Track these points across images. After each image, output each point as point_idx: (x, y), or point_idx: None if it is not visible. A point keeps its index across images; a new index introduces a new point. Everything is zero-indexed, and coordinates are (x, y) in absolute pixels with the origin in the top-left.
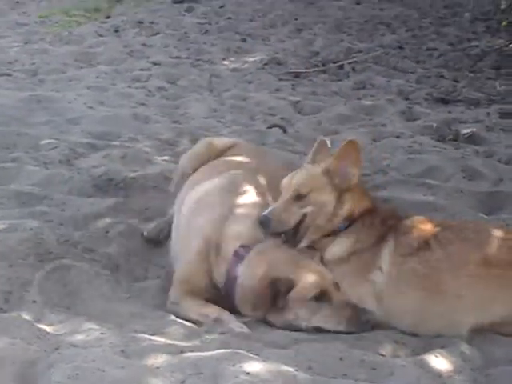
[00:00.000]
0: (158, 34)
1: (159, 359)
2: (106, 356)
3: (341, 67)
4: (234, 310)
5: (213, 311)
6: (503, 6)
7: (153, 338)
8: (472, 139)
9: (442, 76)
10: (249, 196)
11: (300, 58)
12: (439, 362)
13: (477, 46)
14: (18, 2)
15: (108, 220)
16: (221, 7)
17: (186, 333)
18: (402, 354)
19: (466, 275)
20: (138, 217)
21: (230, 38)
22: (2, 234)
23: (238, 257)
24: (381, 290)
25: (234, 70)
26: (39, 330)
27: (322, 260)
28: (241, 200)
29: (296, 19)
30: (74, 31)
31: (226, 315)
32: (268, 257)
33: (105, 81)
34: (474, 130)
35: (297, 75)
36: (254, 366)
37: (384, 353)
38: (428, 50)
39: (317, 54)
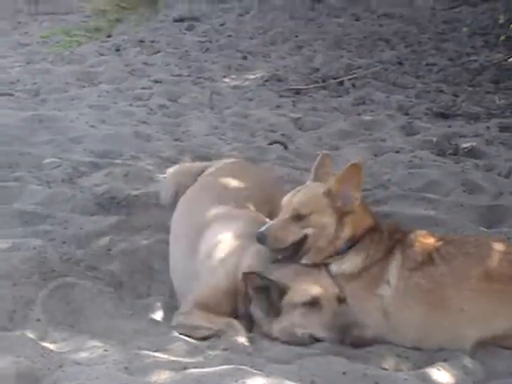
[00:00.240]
0: (158, 52)
1: (162, 376)
2: (109, 373)
3: (341, 83)
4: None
5: (222, 321)
6: (501, 21)
7: (156, 354)
8: (472, 153)
9: (441, 91)
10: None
11: (300, 74)
12: (441, 375)
13: (476, 61)
14: (19, 23)
15: (110, 238)
16: (221, 25)
17: (189, 349)
18: (404, 367)
19: (469, 289)
20: (140, 234)
21: (231, 56)
22: (6, 253)
23: None
24: (388, 304)
25: (234, 87)
26: (43, 348)
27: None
28: None
29: (296, 36)
30: (75, 51)
31: (235, 324)
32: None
33: (106, 99)
34: (474, 144)
35: (297, 92)
36: (257, 382)
37: (387, 367)
38: (427, 65)
39: (317, 70)
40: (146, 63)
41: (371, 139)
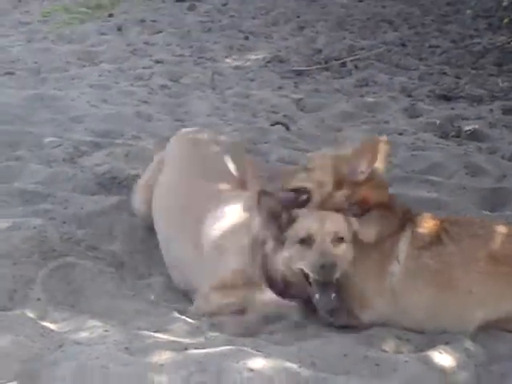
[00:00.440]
0: (160, 32)
1: (163, 356)
2: (110, 353)
3: (343, 65)
4: None
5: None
6: (505, 3)
7: (157, 335)
8: (475, 136)
9: (444, 73)
10: None
11: (302, 55)
12: (443, 358)
13: (479, 43)
14: (20, 1)
15: (111, 218)
16: (223, 5)
17: (190, 330)
18: (405, 350)
19: (476, 271)
20: None
21: (233, 36)
22: (6, 232)
23: None
24: (396, 282)
25: (236, 67)
26: (43, 327)
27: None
28: None
29: (298, 17)
30: (76, 30)
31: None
32: None
33: (108, 79)
34: (477, 126)
35: (299, 73)
36: (258, 363)
37: (387, 349)
38: (430, 47)
39: (319, 51)
40: (147, 43)
41: (374, 121)
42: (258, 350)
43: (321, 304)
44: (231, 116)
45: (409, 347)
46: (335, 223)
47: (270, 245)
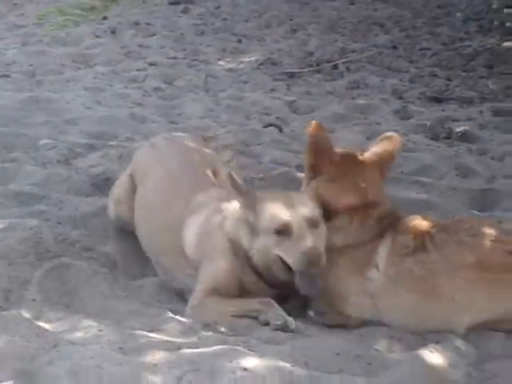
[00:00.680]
0: (154, 35)
1: (157, 356)
2: (104, 353)
3: (335, 67)
4: None
5: (252, 301)
6: (495, 6)
7: (150, 334)
8: (465, 137)
9: (435, 75)
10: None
11: (295, 58)
12: (434, 357)
13: (469, 46)
14: (15, 4)
15: (105, 219)
16: (216, 8)
17: (184, 329)
18: (397, 349)
19: (461, 278)
20: None
21: (226, 39)
22: (2, 233)
23: None
24: (376, 288)
25: (229, 70)
26: (38, 327)
27: None
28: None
29: (291, 20)
30: (71, 32)
31: (267, 300)
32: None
33: (102, 81)
34: (467, 128)
35: (292, 75)
36: (251, 362)
37: (379, 348)
38: (421, 49)
39: (311, 54)
40: (141, 45)
41: (365, 123)
42: (251, 350)
43: (306, 291)
44: (224, 118)
45: (400, 346)
46: (306, 206)
47: (245, 235)
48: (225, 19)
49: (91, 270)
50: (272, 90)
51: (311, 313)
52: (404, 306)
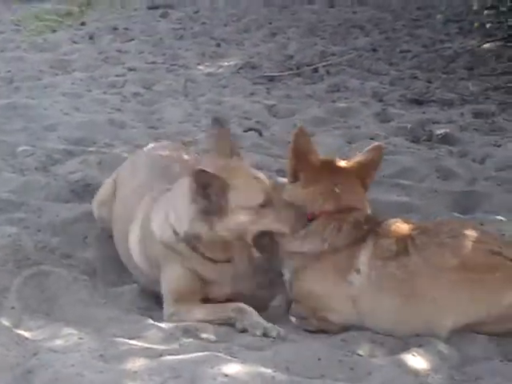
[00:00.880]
0: (132, 40)
1: (137, 363)
2: (84, 361)
3: (315, 70)
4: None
5: (227, 307)
6: (475, 7)
7: (131, 342)
8: (446, 139)
9: (415, 77)
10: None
11: (274, 61)
12: (416, 361)
13: (450, 48)
14: None
15: (85, 225)
16: (195, 12)
17: (164, 336)
18: (379, 353)
19: (443, 280)
20: None
21: (205, 43)
22: None
23: None
24: (358, 293)
25: (208, 74)
26: (18, 335)
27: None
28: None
29: (270, 23)
30: (48, 38)
31: (243, 307)
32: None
33: (80, 87)
34: (448, 130)
35: (271, 79)
36: (233, 368)
37: (362, 353)
38: (401, 52)
39: (291, 57)
40: (119, 51)
41: (346, 126)
42: (232, 356)
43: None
44: (204, 122)
45: (383, 350)
46: (266, 179)
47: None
48: (203, 23)
49: (71, 278)
50: (252, 93)
51: (292, 318)
52: (387, 309)
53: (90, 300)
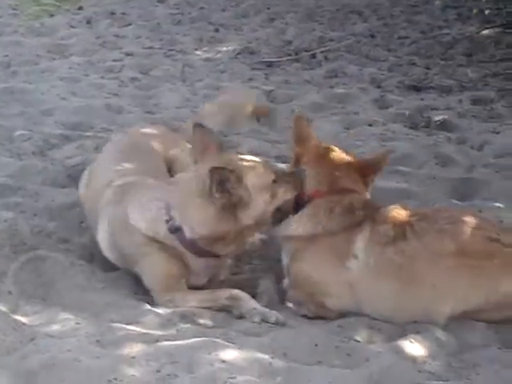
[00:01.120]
0: (130, 24)
1: (134, 348)
2: (81, 346)
3: (313, 56)
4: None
5: (220, 295)
6: None
7: (128, 327)
8: (444, 126)
9: (413, 64)
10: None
11: (272, 47)
12: (414, 347)
13: (448, 34)
14: None
15: (82, 210)
16: None
17: (161, 322)
18: (377, 340)
19: (442, 266)
20: None
21: (203, 28)
22: None
23: None
24: (356, 278)
25: (206, 59)
26: (15, 321)
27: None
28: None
29: (268, 9)
30: (46, 23)
31: (237, 293)
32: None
33: (77, 72)
34: (446, 117)
35: (270, 64)
36: (230, 354)
37: (359, 339)
38: (399, 38)
39: (289, 43)
40: (117, 35)
41: (344, 112)
42: (229, 342)
43: None
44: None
45: (380, 337)
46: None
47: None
48: (201, 8)
49: (68, 262)
50: (250, 79)
51: (289, 304)
52: (385, 295)
53: (87, 285)
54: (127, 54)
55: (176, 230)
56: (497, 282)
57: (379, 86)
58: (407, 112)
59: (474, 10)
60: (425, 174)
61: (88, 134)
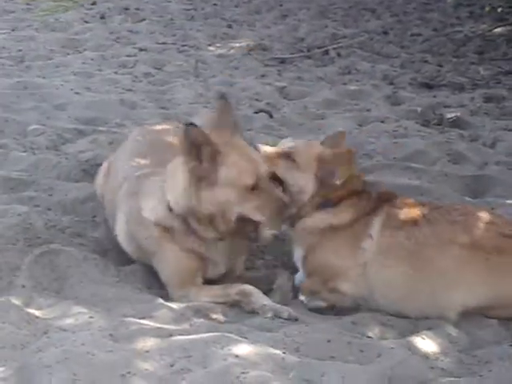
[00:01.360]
0: (143, 20)
1: (148, 343)
2: (94, 340)
3: (326, 53)
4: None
5: (230, 291)
6: None
7: (141, 321)
8: (456, 123)
9: (426, 61)
10: None
11: (285, 43)
12: (426, 343)
13: (460, 31)
14: None
15: (95, 204)
16: None
17: (175, 316)
18: (389, 336)
19: (452, 254)
20: None
21: (216, 24)
22: None
23: None
24: (370, 259)
25: (219, 55)
26: (28, 314)
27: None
28: None
29: (281, 5)
30: (60, 18)
31: (249, 289)
32: None
33: (91, 67)
34: (459, 114)
35: (282, 61)
36: (243, 349)
37: (371, 335)
38: (412, 35)
39: (302, 39)
40: (130, 31)
41: (356, 109)
42: (242, 336)
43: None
44: (215, 104)
45: (393, 333)
46: (263, 162)
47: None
48: (215, 4)
49: (81, 256)
50: (262, 75)
51: (302, 297)
52: (396, 279)
53: (101, 279)
54: (141, 50)
55: (171, 209)
56: (508, 278)
57: (392, 83)
58: (419, 109)
59: (487, 8)
60: (437, 171)
61: (102, 128)
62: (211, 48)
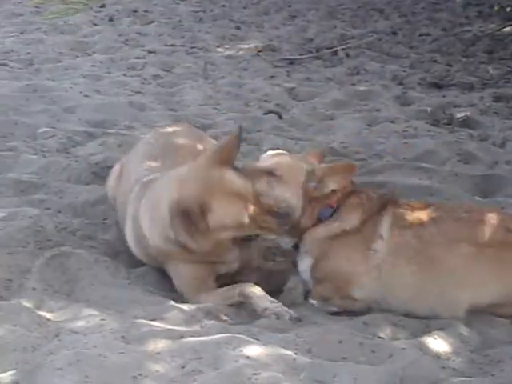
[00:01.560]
0: (152, 22)
1: (159, 344)
2: (106, 342)
3: (335, 53)
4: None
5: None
6: None
7: (153, 323)
8: (466, 123)
9: (435, 61)
10: None
11: (294, 44)
12: (438, 343)
13: (469, 31)
14: None
15: (106, 207)
16: None
17: (186, 318)
18: (400, 336)
19: (460, 252)
20: None
21: (225, 26)
22: (2, 222)
23: None
24: (382, 259)
25: (228, 57)
26: (39, 317)
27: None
28: None
29: (289, 6)
30: (69, 20)
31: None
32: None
33: (100, 69)
34: (468, 113)
35: (291, 62)
36: (254, 350)
37: (383, 335)
38: (421, 35)
39: (311, 40)
40: (139, 33)
41: (366, 109)
42: (254, 338)
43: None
44: (224, 105)
45: (404, 333)
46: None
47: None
48: (223, 6)
49: (92, 259)
50: (271, 76)
51: (313, 301)
52: (406, 278)
53: (112, 281)
54: (149, 52)
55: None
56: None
57: (401, 83)
58: (429, 109)
59: (495, 8)
60: (447, 170)
61: (111, 131)
62: (220, 49)
